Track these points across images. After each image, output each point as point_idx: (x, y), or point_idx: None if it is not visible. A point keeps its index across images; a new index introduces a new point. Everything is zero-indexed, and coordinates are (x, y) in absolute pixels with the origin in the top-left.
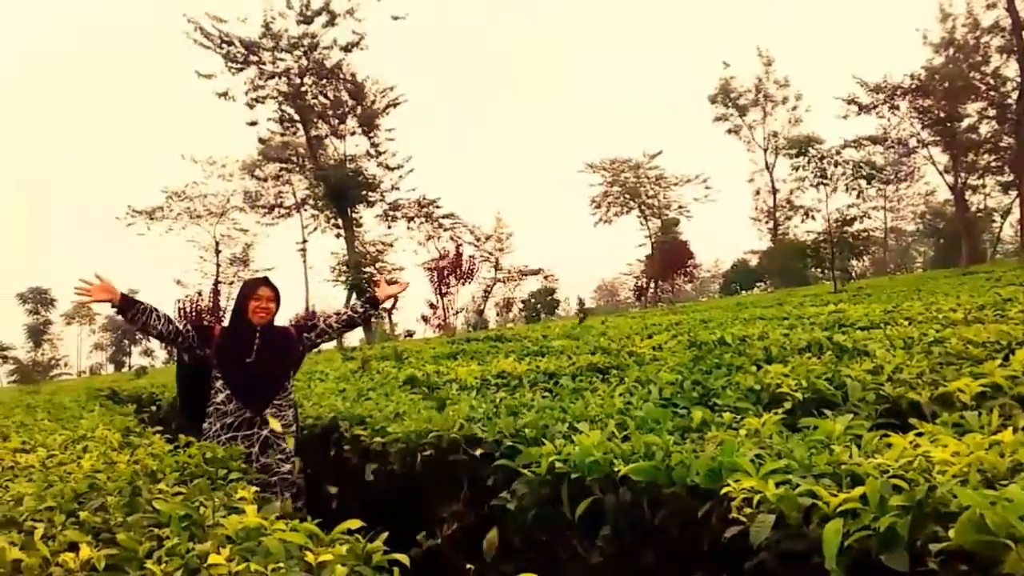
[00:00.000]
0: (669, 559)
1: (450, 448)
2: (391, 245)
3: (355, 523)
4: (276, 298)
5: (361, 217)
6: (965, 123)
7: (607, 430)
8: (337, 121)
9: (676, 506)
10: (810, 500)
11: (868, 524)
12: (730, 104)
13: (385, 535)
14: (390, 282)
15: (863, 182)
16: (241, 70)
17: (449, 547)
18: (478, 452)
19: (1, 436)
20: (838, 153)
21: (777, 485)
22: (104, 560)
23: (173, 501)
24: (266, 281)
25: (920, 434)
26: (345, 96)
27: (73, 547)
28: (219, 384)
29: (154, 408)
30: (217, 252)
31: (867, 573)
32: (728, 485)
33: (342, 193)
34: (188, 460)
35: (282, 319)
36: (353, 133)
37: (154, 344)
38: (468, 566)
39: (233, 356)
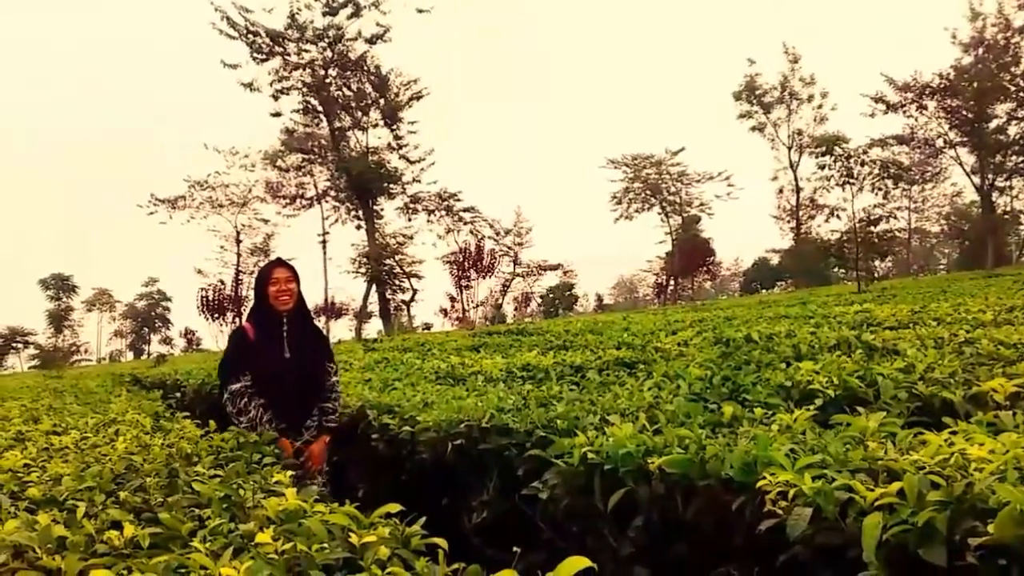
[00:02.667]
0: (701, 552)
1: (481, 437)
2: (411, 238)
3: (394, 507)
4: (295, 278)
5: (382, 209)
6: (993, 124)
7: (638, 423)
8: (360, 113)
9: (710, 499)
10: (847, 494)
11: (905, 519)
12: (755, 101)
13: (423, 519)
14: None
15: (889, 182)
16: (266, 60)
17: (478, 536)
18: (509, 442)
19: (32, 418)
20: (865, 152)
21: (813, 479)
22: (148, 538)
23: (211, 483)
24: (280, 262)
25: (954, 432)
26: (369, 88)
27: (116, 525)
28: (250, 390)
29: (179, 395)
30: (238, 242)
31: (904, 567)
32: (763, 479)
33: (364, 185)
34: (223, 444)
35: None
36: (376, 125)
37: (173, 332)
38: (515, 548)
39: (264, 354)
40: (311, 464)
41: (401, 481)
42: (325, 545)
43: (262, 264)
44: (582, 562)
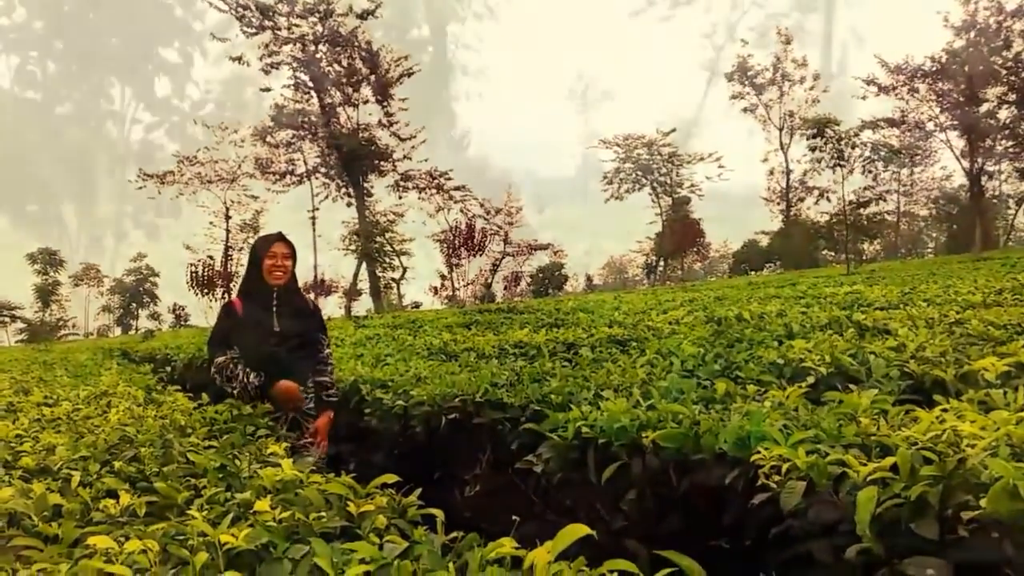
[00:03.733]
0: (693, 524)
1: (475, 412)
2: (402, 215)
3: (391, 477)
4: (292, 255)
5: (372, 187)
6: (984, 108)
7: (632, 398)
8: (351, 89)
9: (703, 473)
10: (840, 469)
11: (898, 493)
12: (747, 82)
13: (419, 490)
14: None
15: (879, 164)
16: (255, 34)
17: (471, 509)
18: (503, 416)
19: (22, 390)
20: (856, 135)
21: (806, 454)
22: (144, 507)
23: (207, 454)
24: (280, 237)
25: (946, 410)
26: (359, 64)
27: (111, 494)
28: (235, 360)
29: (169, 369)
30: (227, 218)
31: (896, 540)
32: (757, 453)
33: (354, 161)
34: (216, 416)
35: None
36: (366, 102)
37: (161, 308)
38: (514, 517)
39: (253, 327)
40: (319, 439)
41: (394, 454)
42: (323, 514)
43: (259, 237)
44: (581, 529)
